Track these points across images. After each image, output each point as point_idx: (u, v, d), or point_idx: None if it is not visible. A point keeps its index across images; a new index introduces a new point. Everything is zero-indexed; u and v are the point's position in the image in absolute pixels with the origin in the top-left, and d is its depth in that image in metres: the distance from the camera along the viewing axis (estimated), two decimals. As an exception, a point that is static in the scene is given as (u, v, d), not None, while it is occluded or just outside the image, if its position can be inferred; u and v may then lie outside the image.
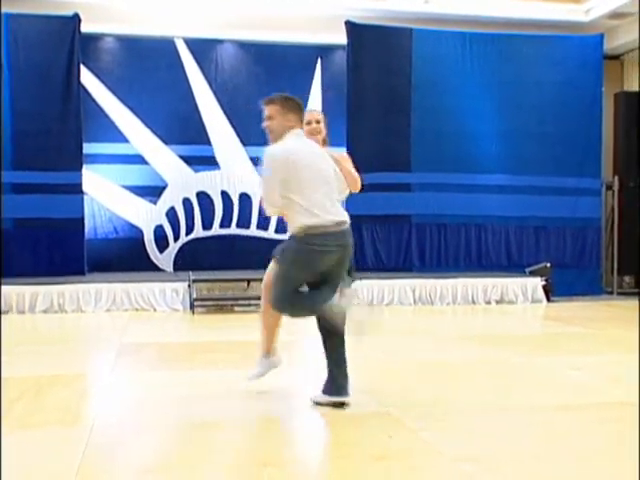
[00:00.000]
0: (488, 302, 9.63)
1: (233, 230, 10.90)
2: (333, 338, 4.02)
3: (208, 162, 10.81)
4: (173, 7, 10.36)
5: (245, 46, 10.88)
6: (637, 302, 9.50)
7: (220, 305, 9.08)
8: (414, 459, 3.20)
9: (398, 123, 10.35)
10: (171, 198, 10.78)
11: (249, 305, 8.67)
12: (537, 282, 9.92)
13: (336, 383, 4.00)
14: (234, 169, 10.85)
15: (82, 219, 9.78)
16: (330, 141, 4.60)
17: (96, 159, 10.30)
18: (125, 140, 10.55)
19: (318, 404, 4.03)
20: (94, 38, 10.32)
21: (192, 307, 8.78)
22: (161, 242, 10.74)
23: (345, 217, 3.99)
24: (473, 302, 9.59)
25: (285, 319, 4.18)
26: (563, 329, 7.69)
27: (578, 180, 10.77)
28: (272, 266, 4.12)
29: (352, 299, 3.93)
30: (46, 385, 4.63)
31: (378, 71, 10.30)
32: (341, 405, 3.98)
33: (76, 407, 4.15)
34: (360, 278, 4.52)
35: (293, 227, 3.93)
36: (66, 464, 3.07)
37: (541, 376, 5.04)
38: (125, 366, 5.51)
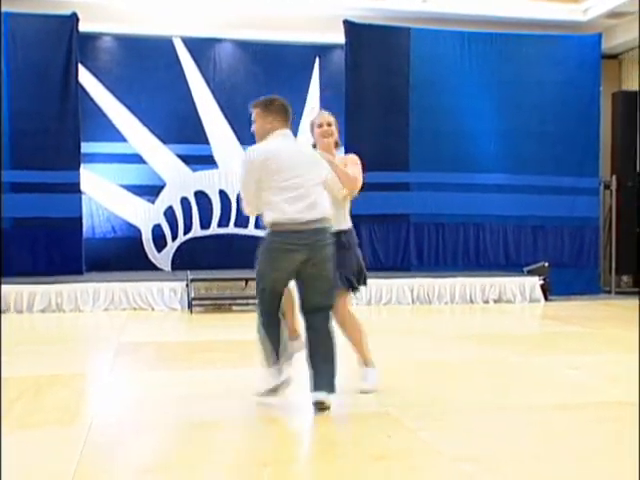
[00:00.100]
0: (486, 301, 9.65)
1: (231, 229, 10.90)
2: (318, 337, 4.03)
3: (206, 161, 10.82)
4: (171, 6, 10.36)
5: (243, 45, 10.88)
6: (635, 301, 9.52)
7: (218, 304, 9.08)
8: (413, 459, 3.20)
9: (396, 122, 10.35)
10: (169, 197, 10.78)
11: (247, 304, 8.65)
12: (535, 281, 9.93)
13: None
14: (232, 168, 10.81)
15: (80, 218, 9.78)
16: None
17: (94, 158, 10.30)
18: (123, 139, 10.55)
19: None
20: (92, 37, 10.32)
21: (190, 306, 8.77)
22: (159, 241, 10.74)
23: (322, 216, 3.89)
24: (471, 301, 9.61)
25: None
26: (561, 328, 7.70)
27: (576, 179, 10.77)
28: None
29: (301, 349, 4.09)
30: (45, 385, 4.63)
31: (376, 70, 10.30)
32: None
33: (75, 407, 4.15)
34: (365, 282, 4.48)
35: (264, 223, 3.99)
36: (65, 464, 3.07)
37: (539, 375, 5.05)
38: (123, 365, 5.52)
